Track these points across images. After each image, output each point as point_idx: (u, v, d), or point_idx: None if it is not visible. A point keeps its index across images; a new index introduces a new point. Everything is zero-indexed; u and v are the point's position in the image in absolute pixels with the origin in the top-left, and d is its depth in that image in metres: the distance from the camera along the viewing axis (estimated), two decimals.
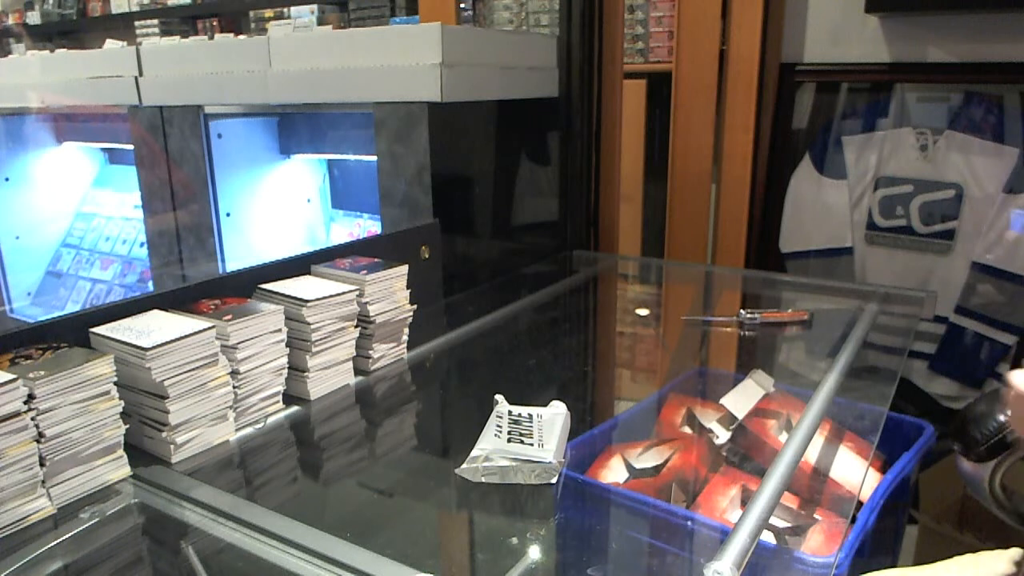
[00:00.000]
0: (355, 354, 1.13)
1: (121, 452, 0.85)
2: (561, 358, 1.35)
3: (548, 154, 1.87)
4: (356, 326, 1.13)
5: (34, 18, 4.82)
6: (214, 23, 4.14)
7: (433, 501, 0.94)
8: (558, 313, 1.60)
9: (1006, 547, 0.85)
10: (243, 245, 1.96)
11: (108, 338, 0.88)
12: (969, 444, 0.87)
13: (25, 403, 0.75)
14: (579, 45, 1.84)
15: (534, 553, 0.80)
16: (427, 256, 1.44)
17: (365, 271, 1.14)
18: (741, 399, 1.07)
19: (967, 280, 1.82)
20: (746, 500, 0.92)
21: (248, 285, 1.09)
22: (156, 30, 4.22)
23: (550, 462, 0.85)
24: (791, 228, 2.06)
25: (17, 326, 0.86)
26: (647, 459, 1.00)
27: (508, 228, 1.76)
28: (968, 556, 0.85)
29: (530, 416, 0.97)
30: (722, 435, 1.03)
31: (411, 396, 1.20)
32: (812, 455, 1.01)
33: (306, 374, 1.07)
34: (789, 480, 0.80)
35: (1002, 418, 0.85)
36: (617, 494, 0.89)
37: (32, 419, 0.76)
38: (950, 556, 0.86)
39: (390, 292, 1.17)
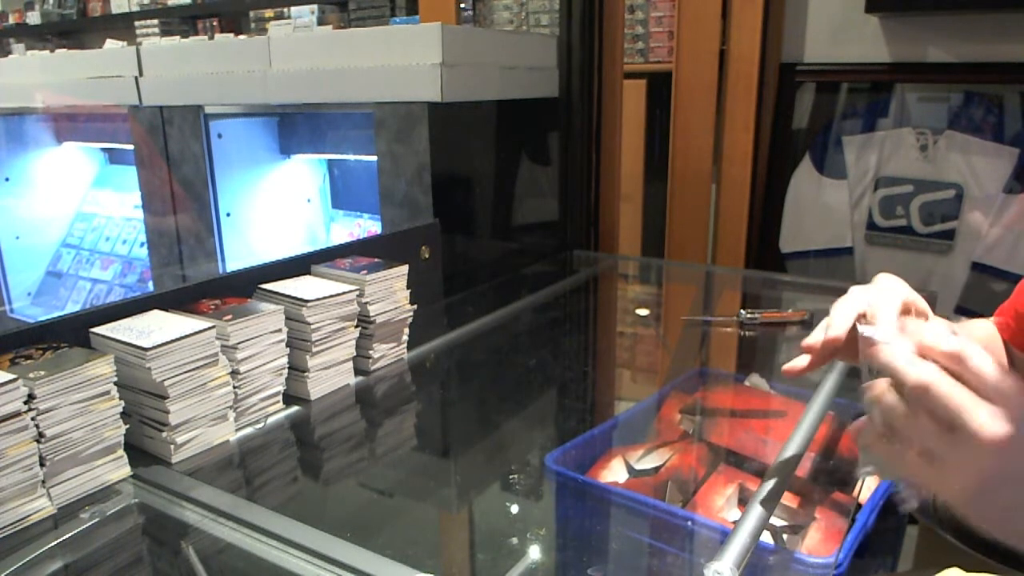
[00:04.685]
0: (355, 354, 1.13)
1: (121, 452, 0.85)
2: (561, 358, 1.35)
3: (548, 154, 1.87)
4: (356, 326, 1.13)
5: (34, 18, 4.82)
6: (214, 23, 4.14)
7: (433, 501, 0.94)
8: (558, 313, 1.60)
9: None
10: (243, 245, 1.96)
11: (108, 338, 0.88)
12: None
13: (25, 403, 0.75)
14: (579, 45, 1.84)
15: (534, 553, 0.80)
16: (427, 256, 1.44)
17: (365, 271, 1.14)
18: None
19: (967, 280, 1.82)
20: (744, 500, 0.92)
21: (248, 285, 1.09)
22: (156, 30, 4.22)
23: None
24: (791, 228, 2.06)
25: (17, 326, 0.86)
26: (648, 461, 1.00)
27: (508, 228, 1.76)
28: None
29: None
30: None
31: (411, 396, 1.20)
32: (812, 455, 1.01)
33: (306, 374, 1.07)
34: (790, 480, 0.80)
35: None
36: (616, 494, 0.89)
37: (32, 419, 0.76)
38: (951, 557, 0.85)
39: (390, 292, 1.17)
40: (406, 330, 1.23)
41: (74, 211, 2.69)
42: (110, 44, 2.26)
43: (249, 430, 0.99)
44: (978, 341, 0.52)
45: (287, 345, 1.02)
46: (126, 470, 0.86)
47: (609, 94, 1.93)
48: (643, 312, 1.71)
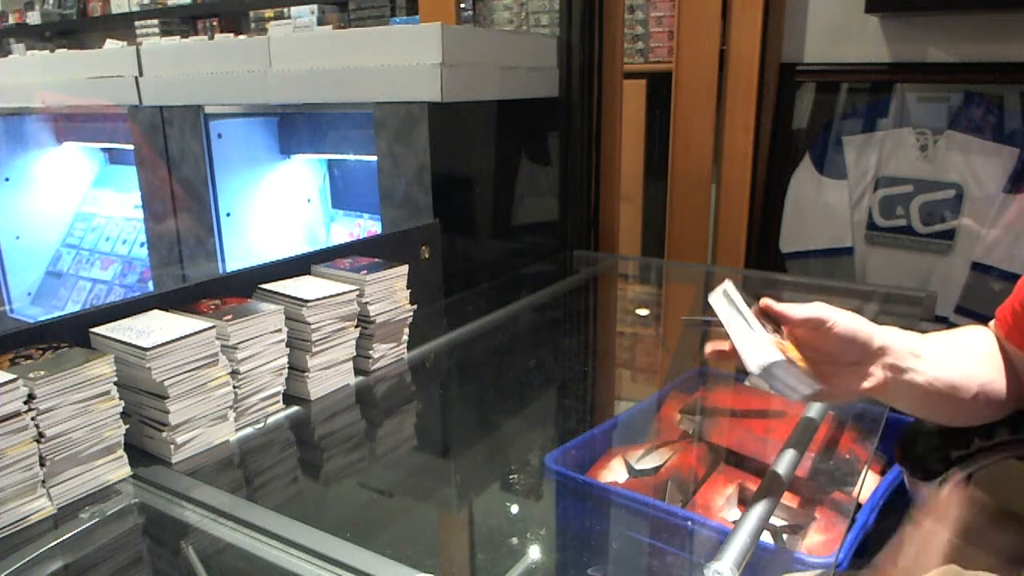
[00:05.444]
0: (355, 354, 1.13)
1: (121, 452, 0.85)
2: (561, 358, 1.35)
3: (548, 154, 1.87)
4: (356, 326, 1.13)
5: (34, 18, 4.82)
6: (214, 23, 4.14)
7: (433, 501, 0.94)
8: (558, 313, 1.60)
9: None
10: (243, 245, 1.96)
11: (108, 338, 0.88)
12: (914, 462, 0.86)
13: (25, 403, 0.75)
14: (579, 45, 1.84)
15: (534, 553, 0.80)
16: (427, 256, 1.44)
17: (365, 271, 1.14)
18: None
19: (967, 280, 1.82)
20: (744, 499, 0.93)
21: (248, 285, 1.09)
22: (156, 30, 4.22)
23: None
24: (791, 228, 2.06)
25: (17, 326, 0.86)
26: (648, 461, 1.00)
27: (508, 228, 1.76)
28: None
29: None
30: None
31: (411, 396, 1.20)
32: (812, 455, 1.01)
33: (306, 374, 1.07)
34: (790, 480, 0.80)
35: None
36: (616, 494, 0.89)
37: (32, 419, 0.76)
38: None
39: (390, 292, 1.17)
40: (406, 330, 1.23)
41: (74, 211, 2.69)
42: (110, 44, 2.26)
43: (249, 430, 0.99)
44: (961, 349, 0.55)
45: (287, 345, 1.02)
46: (126, 470, 0.86)
47: (609, 94, 1.93)
48: (643, 312, 1.71)
